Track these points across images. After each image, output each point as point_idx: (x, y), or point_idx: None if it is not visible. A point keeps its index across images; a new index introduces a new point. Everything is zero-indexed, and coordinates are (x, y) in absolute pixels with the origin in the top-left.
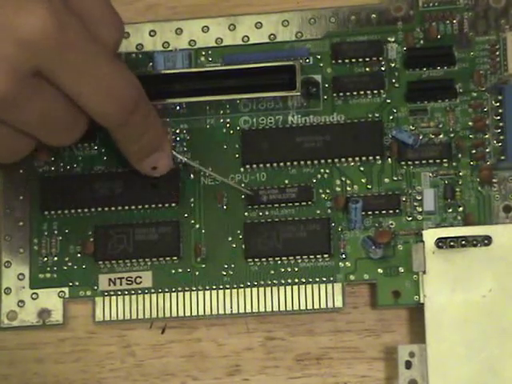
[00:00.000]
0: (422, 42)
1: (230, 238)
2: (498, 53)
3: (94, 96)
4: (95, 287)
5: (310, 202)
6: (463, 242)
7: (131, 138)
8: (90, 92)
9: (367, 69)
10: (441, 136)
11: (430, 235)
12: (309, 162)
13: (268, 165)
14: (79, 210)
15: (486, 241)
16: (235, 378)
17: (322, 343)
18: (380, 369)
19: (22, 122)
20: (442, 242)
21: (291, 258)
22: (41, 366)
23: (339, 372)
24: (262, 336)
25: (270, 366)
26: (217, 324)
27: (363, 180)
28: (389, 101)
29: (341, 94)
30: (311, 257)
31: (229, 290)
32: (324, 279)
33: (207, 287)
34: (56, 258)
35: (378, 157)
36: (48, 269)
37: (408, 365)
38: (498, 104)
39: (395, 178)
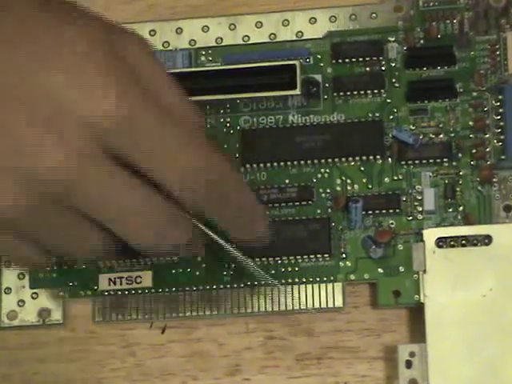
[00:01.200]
0: (422, 41)
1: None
2: (498, 52)
3: (178, 180)
4: (95, 287)
5: (310, 202)
6: (463, 242)
7: (222, 217)
8: (173, 176)
9: (367, 68)
10: (441, 136)
11: (431, 235)
12: (309, 162)
13: (268, 164)
14: None
15: (487, 240)
16: (235, 377)
17: (322, 343)
18: (380, 368)
19: (98, 213)
20: (442, 242)
21: (291, 257)
22: (41, 365)
23: (339, 372)
24: (262, 336)
25: (270, 366)
26: (217, 324)
27: (363, 180)
28: (389, 100)
29: (341, 93)
30: (311, 256)
31: (229, 290)
32: (324, 279)
33: (207, 287)
34: (56, 258)
35: (378, 156)
36: (48, 268)
37: (408, 364)
38: (498, 104)
39: (395, 178)
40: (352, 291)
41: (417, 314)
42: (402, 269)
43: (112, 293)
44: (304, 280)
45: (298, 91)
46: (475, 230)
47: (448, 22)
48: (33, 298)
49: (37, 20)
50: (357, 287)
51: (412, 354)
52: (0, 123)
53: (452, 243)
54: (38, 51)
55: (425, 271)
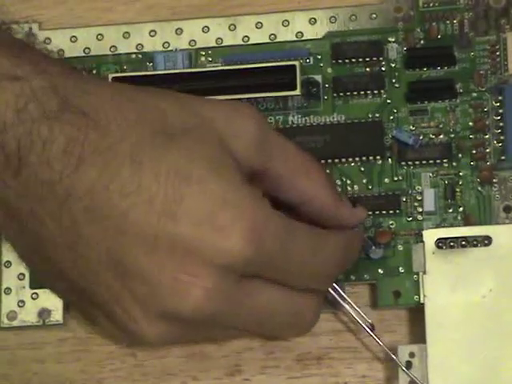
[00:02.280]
0: (422, 42)
1: None
2: (498, 53)
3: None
4: None
5: None
6: (463, 243)
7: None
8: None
9: (367, 69)
10: (441, 136)
11: (430, 235)
12: None
13: None
14: None
15: (486, 241)
16: (235, 377)
17: (322, 343)
18: (380, 369)
19: (242, 326)
20: (442, 243)
21: None
22: (41, 365)
23: (339, 372)
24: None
25: (270, 366)
26: None
27: (363, 180)
28: (389, 101)
29: (341, 94)
30: None
31: None
32: None
33: None
34: None
35: (378, 157)
36: None
37: (408, 365)
38: (498, 104)
39: (395, 178)
40: (352, 292)
41: (417, 315)
42: (401, 269)
43: None
44: None
45: (298, 92)
46: (475, 230)
47: (448, 22)
48: (33, 298)
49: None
50: (357, 288)
51: (412, 355)
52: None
53: (452, 244)
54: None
55: (425, 272)
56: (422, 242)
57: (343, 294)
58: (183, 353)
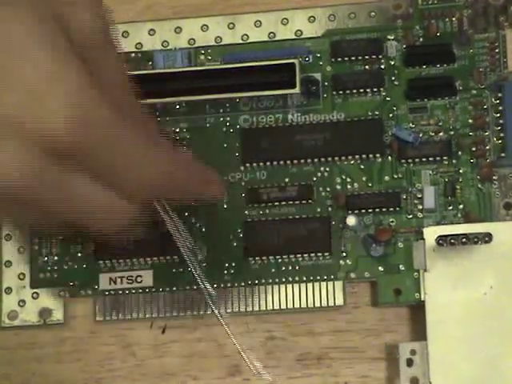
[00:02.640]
0: (421, 39)
1: (230, 237)
2: (497, 50)
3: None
4: (96, 286)
5: (310, 201)
6: (464, 240)
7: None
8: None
9: (367, 67)
10: (441, 134)
11: (431, 233)
12: (309, 161)
13: (268, 163)
14: None
15: (487, 238)
16: (236, 377)
17: (322, 343)
18: (381, 369)
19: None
20: (442, 240)
21: (292, 256)
22: (41, 365)
23: (340, 372)
24: (262, 336)
25: (270, 366)
26: (217, 324)
27: (363, 178)
28: (388, 99)
29: (340, 92)
30: (312, 255)
31: (229, 289)
32: (325, 277)
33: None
34: (56, 258)
35: (378, 155)
36: (48, 268)
37: (409, 362)
38: (497, 101)
39: (395, 176)
40: (352, 291)
41: (417, 313)
42: (402, 267)
43: (112, 292)
44: (304, 279)
45: (297, 90)
46: (475, 227)
47: (447, 19)
48: (33, 297)
49: None
50: (357, 287)
51: (413, 352)
52: None
53: (452, 241)
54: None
55: (425, 269)
56: (423, 239)
57: (170, 211)
58: (183, 352)
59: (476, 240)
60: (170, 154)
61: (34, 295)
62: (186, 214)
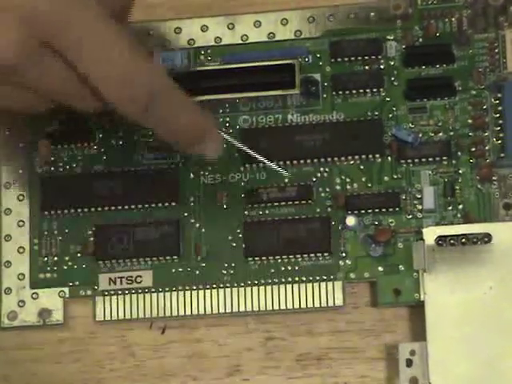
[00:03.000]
0: (420, 39)
1: (230, 237)
2: (496, 50)
3: (101, 78)
4: (95, 287)
5: (309, 201)
6: (463, 240)
7: (158, 128)
8: (95, 73)
9: (366, 67)
10: (440, 134)
11: (430, 233)
12: (308, 161)
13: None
14: (79, 210)
15: (486, 238)
16: (235, 378)
17: (322, 343)
18: (380, 369)
19: (35, 87)
20: (442, 240)
21: (291, 256)
22: (41, 366)
23: (339, 372)
24: (262, 336)
25: (270, 366)
26: (217, 324)
27: (363, 178)
28: (388, 99)
29: (340, 92)
30: (311, 255)
31: (229, 289)
32: (324, 277)
33: (207, 286)
34: (56, 258)
35: (377, 155)
36: (48, 268)
37: (409, 363)
38: (497, 101)
39: (395, 176)
40: (352, 292)
41: (417, 313)
42: (402, 267)
43: (112, 292)
44: (304, 279)
45: (297, 90)
46: (475, 228)
47: (446, 20)
48: (33, 298)
49: None
50: (357, 287)
51: (412, 353)
52: None
53: (452, 241)
54: None
55: (425, 269)
56: (422, 239)
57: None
58: (183, 353)
59: (475, 240)
60: (146, 60)
61: (34, 296)
62: (186, 214)
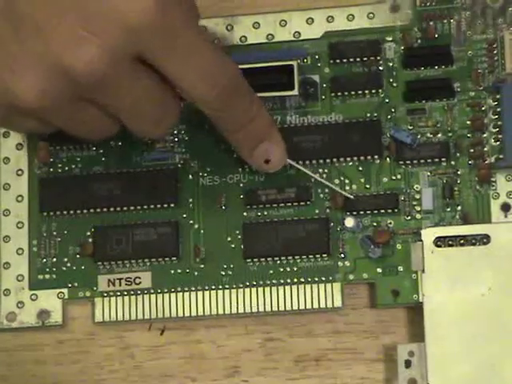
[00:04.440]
0: (419, 41)
1: (228, 238)
2: (495, 52)
3: (196, 81)
4: (94, 288)
5: (308, 202)
6: (462, 241)
7: (233, 125)
8: (192, 77)
9: (365, 68)
10: (439, 135)
11: (429, 234)
12: (307, 162)
13: None
14: (78, 211)
15: (485, 239)
16: (234, 379)
17: (320, 344)
18: (379, 370)
19: (114, 107)
20: (440, 241)
21: (290, 257)
22: (40, 367)
23: (338, 373)
24: (260, 337)
25: (268, 368)
26: (216, 325)
27: (361, 180)
28: (387, 100)
29: (339, 93)
30: (310, 256)
31: (228, 290)
32: (323, 279)
33: (206, 287)
34: (55, 259)
35: (376, 156)
36: (47, 270)
37: (407, 364)
38: (496, 103)
39: (393, 178)
40: (350, 293)
41: (415, 315)
42: (400, 268)
43: (111, 294)
44: (303, 280)
45: (295, 92)
46: (474, 229)
47: (445, 21)
48: (32, 299)
49: None
50: (355, 289)
51: (411, 354)
52: (40, 20)
53: (450, 242)
54: None
55: (423, 271)
56: (421, 240)
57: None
58: (182, 354)
59: (474, 241)
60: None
61: (33, 297)
62: (185, 215)
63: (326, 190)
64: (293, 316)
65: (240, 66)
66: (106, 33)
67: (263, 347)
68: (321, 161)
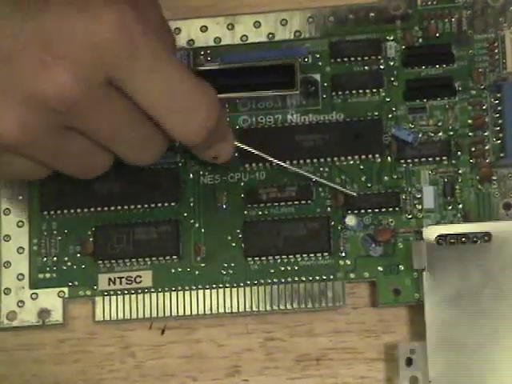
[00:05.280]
0: (420, 40)
1: (229, 237)
2: (496, 50)
3: (169, 112)
4: (95, 287)
5: (309, 201)
6: (463, 239)
7: (203, 144)
8: (164, 106)
9: (366, 67)
10: (440, 134)
11: (430, 232)
12: (308, 161)
13: (267, 164)
14: (78, 210)
15: (486, 237)
16: (235, 378)
17: (321, 344)
18: (380, 369)
19: (95, 133)
20: (441, 240)
21: (291, 256)
22: (40, 366)
23: (339, 373)
24: (261, 337)
25: (269, 367)
26: (216, 325)
27: (363, 178)
28: (388, 99)
29: (340, 92)
30: (311, 255)
31: (229, 289)
32: (324, 277)
33: (207, 286)
34: (55, 258)
35: (377, 155)
36: (48, 269)
37: (409, 362)
38: (497, 102)
39: (395, 176)
40: (351, 292)
41: (416, 313)
42: (401, 267)
43: (112, 293)
44: (303, 279)
45: (296, 90)
46: (475, 227)
47: (446, 20)
48: (32, 298)
49: None
50: (356, 288)
51: (412, 352)
52: (5, 48)
53: (452, 241)
54: None
55: (425, 269)
56: (422, 239)
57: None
58: (183, 353)
59: (475, 240)
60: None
61: (33, 296)
62: (185, 214)
63: (327, 189)
64: (293, 315)
65: (241, 65)
66: (70, 55)
67: (264, 346)
68: (322, 159)
